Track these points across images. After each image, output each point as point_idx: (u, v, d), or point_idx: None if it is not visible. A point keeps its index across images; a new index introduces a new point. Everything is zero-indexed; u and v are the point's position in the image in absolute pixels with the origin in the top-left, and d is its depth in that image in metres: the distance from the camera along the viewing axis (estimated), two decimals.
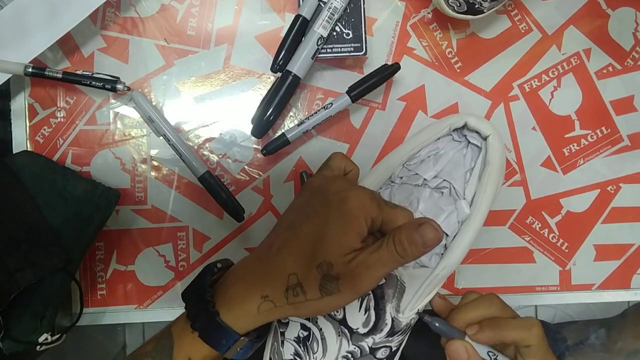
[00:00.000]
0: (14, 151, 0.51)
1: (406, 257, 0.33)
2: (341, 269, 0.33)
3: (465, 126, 0.44)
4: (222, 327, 0.34)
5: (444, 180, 0.43)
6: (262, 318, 0.34)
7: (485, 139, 0.43)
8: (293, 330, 0.43)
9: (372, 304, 0.41)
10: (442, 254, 0.42)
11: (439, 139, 0.45)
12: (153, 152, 0.52)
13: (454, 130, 0.45)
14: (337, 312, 0.42)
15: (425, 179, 0.43)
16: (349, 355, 0.42)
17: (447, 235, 0.43)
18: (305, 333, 0.42)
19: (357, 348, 0.41)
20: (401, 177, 0.44)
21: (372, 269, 0.33)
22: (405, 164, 0.45)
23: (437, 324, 0.40)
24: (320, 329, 0.42)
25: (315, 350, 0.42)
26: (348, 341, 0.41)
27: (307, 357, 0.42)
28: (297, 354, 0.42)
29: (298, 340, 0.42)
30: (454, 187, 0.43)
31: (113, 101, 0.51)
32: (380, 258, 0.33)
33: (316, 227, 0.34)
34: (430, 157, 0.44)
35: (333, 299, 0.33)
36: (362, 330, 0.41)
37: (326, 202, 0.35)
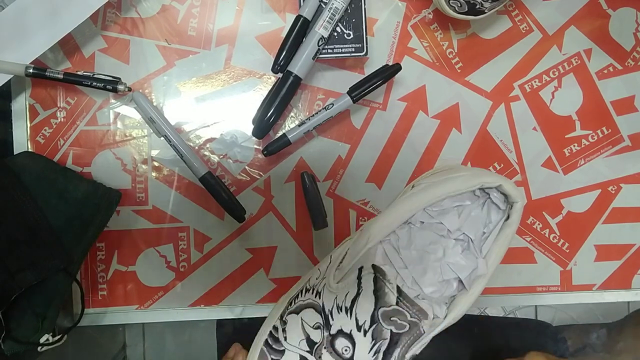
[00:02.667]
0: (15, 152, 0.51)
1: None
2: None
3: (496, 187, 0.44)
4: None
5: (464, 233, 0.44)
6: None
7: (511, 204, 0.44)
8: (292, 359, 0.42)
9: (383, 347, 0.41)
10: (448, 305, 0.43)
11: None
12: (154, 153, 0.52)
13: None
14: (346, 350, 0.41)
15: (449, 230, 0.44)
16: None
17: (464, 287, 0.43)
18: None
19: None
20: (422, 222, 0.44)
21: None
22: (427, 209, 0.45)
23: None
24: None
25: None
26: None
27: None
28: None
29: None
30: (472, 242, 0.43)
31: (114, 101, 0.51)
32: None
33: None
34: (455, 209, 0.44)
35: None
36: None
37: None
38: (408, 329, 0.41)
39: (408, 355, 0.41)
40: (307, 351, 0.42)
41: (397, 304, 0.41)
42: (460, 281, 0.43)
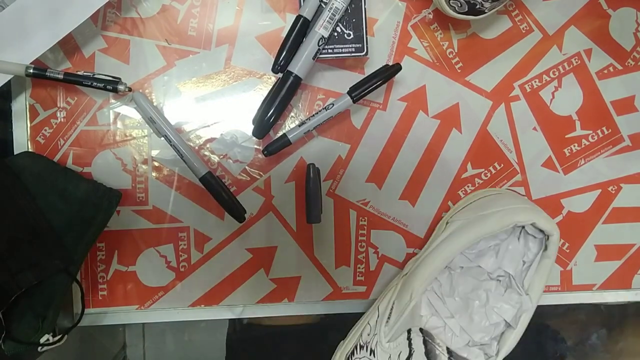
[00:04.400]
0: (15, 152, 0.51)
1: None
2: None
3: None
4: None
5: (504, 270, 0.45)
6: None
7: (547, 236, 0.44)
8: None
9: None
10: (498, 340, 0.44)
11: None
12: (154, 153, 0.52)
13: None
14: None
15: (488, 273, 0.44)
16: None
17: (508, 324, 0.44)
18: None
19: None
20: (461, 267, 0.45)
21: None
22: (464, 252, 0.45)
23: None
24: None
25: None
26: None
27: None
28: None
29: None
30: (512, 278, 0.44)
31: (114, 102, 0.51)
32: None
33: None
34: (491, 249, 0.45)
35: None
36: None
37: None
38: None
39: None
40: None
41: None
42: (507, 322, 0.43)
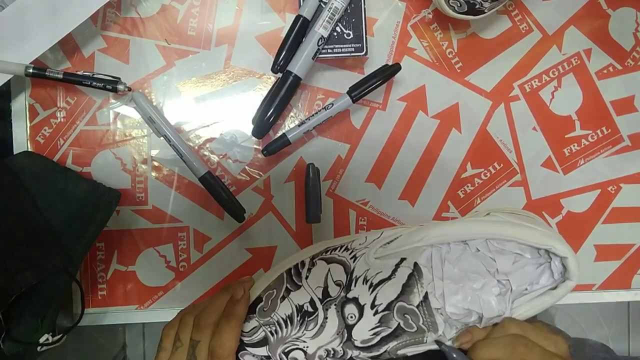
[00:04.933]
0: (15, 152, 0.51)
1: None
2: None
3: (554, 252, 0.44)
4: None
5: (508, 280, 0.44)
6: None
7: (565, 279, 0.44)
8: (300, 298, 0.44)
9: (383, 334, 0.42)
10: (458, 331, 0.44)
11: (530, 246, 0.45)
12: (154, 153, 0.52)
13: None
14: (351, 317, 0.42)
15: (497, 270, 0.44)
16: (331, 352, 0.42)
17: (479, 323, 0.44)
18: (311, 310, 0.43)
19: (342, 351, 0.42)
20: (478, 250, 0.45)
21: None
22: (489, 240, 0.45)
23: (454, 355, 0.41)
24: (326, 318, 0.43)
25: (309, 329, 0.43)
26: (340, 342, 0.42)
27: (298, 329, 0.43)
28: (290, 318, 0.43)
29: (299, 309, 0.43)
30: (511, 291, 0.44)
31: (113, 101, 0.51)
32: None
33: None
34: (513, 255, 0.44)
35: None
36: (357, 344, 0.42)
37: None
38: (414, 332, 0.42)
39: (400, 352, 0.42)
40: (319, 299, 0.43)
41: (417, 306, 0.41)
42: (481, 318, 0.43)
